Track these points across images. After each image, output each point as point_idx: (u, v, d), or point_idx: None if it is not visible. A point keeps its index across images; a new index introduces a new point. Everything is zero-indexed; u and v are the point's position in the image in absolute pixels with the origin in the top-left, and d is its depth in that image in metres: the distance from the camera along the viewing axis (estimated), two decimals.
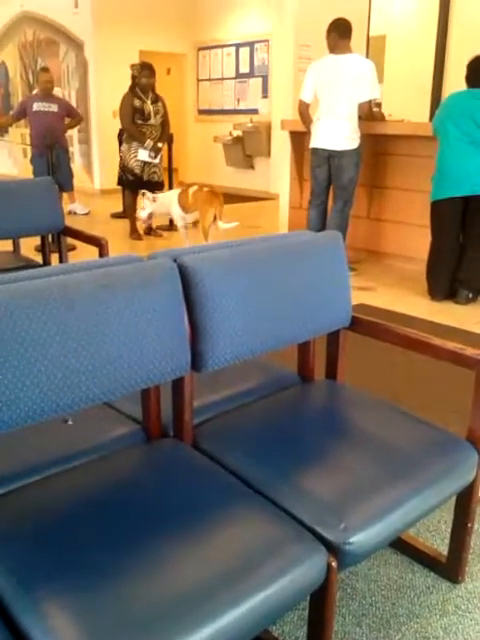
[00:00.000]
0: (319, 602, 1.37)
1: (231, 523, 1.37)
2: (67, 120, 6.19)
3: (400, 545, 1.92)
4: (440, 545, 1.96)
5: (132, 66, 6.14)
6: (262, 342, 1.72)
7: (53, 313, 1.37)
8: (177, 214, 5.56)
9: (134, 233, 6.34)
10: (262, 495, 1.44)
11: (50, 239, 3.51)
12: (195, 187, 5.50)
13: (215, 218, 5.29)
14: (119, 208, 7.44)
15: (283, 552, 1.28)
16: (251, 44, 9.30)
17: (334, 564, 1.30)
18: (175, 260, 1.55)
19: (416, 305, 4.38)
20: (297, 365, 2.01)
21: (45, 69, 6.28)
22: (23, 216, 3.15)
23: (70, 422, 1.67)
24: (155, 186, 6.27)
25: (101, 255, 2.93)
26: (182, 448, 1.61)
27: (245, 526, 1.36)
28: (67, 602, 1.13)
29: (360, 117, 4.78)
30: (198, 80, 10.24)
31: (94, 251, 3.10)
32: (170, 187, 6.85)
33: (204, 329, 1.54)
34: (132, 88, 5.95)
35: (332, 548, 1.31)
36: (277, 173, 8.49)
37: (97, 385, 1.44)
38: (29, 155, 6.42)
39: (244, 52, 9.44)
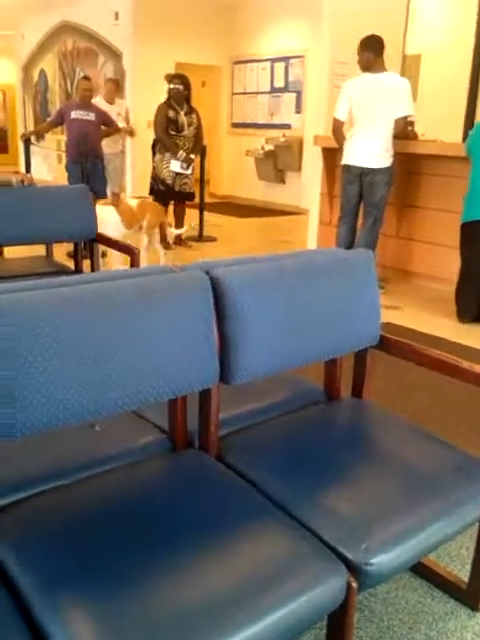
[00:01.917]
0: (337, 623, 1.36)
1: (252, 537, 1.37)
2: (103, 129, 6.28)
3: (420, 569, 1.90)
4: (461, 571, 1.93)
5: (167, 77, 6.22)
6: (290, 357, 1.73)
7: (88, 320, 1.40)
8: (117, 231, 4.89)
9: (163, 242, 6.38)
10: (284, 511, 1.44)
11: (82, 246, 3.56)
12: (135, 200, 5.34)
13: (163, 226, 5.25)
14: None
15: (304, 570, 1.28)
16: (286, 59, 9.36)
17: (354, 585, 1.30)
18: (207, 272, 1.57)
19: (443, 326, 4.34)
20: (323, 382, 2.01)
21: (86, 78, 6.38)
22: (58, 222, 3.21)
23: (97, 428, 1.68)
24: (186, 197, 6.33)
25: (132, 263, 2.97)
26: (206, 460, 1.62)
27: (266, 541, 1.37)
28: (89, 608, 1.14)
29: (395, 135, 4.78)
30: (232, 93, 10.33)
31: (124, 258, 3.14)
32: (201, 199, 6.90)
33: (233, 342, 1.55)
34: (167, 99, 6.03)
35: (353, 568, 1.31)
36: (308, 188, 8.51)
37: (127, 393, 1.46)
38: (64, 161, 6.52)
39: (279, 67, 9.50)
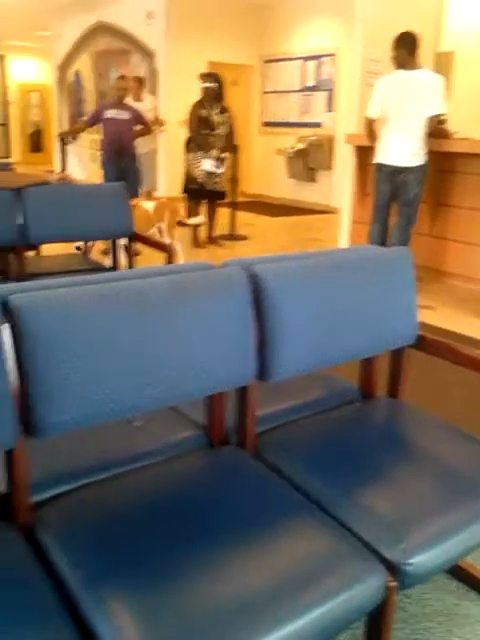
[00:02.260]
0: (376, 623, 1.36)
1: (291, 535, 1.37)
2: (137, 128, 6.34)
3: (457, 572, 1.88)
4: None
5: (201, 75, 6.25)
6: (327, 355, 1.73)
7: (127, 316, 1.42)
8: None
9: (195, 241, 6.43)
10: (322, 509, 1.44)
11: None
12: (151, 203, 5.28)
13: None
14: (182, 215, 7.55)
15: (342, 568, 1.28)
16: (318, 57, 9.32)
17: (393, 584, 1.29)
18: (246, 269, 1.57)
19: (476, 326, 4.29)
20: (359, 381, 2.01)
21: (122, 77, 6.45)
22: (95, 220, 3.24)
23: (136, 424, 1.70)
24: (218, 196, 6.35)
25: (169, 262, 2.99)
26: (244, 456, 1.63)
27: (304, 539, 1.37)
28: (132, 601, 1.15)
29: (428, 133, 4.73)
30: (263, 92, 10.32)
31: (159, 257, 3.16)
32: (233, 197, 6.92)
33: (272, 339, 1.56)
34: (201, 98, 6.06)
35: (391, 568, 1.30)
36: (339, 187, 8.46)
37: (165, 389, 1.47)
38: (97, 160, 6.59)
39: (311, 65, 9.46)
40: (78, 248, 4.28)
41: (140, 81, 7.55)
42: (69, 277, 1.51)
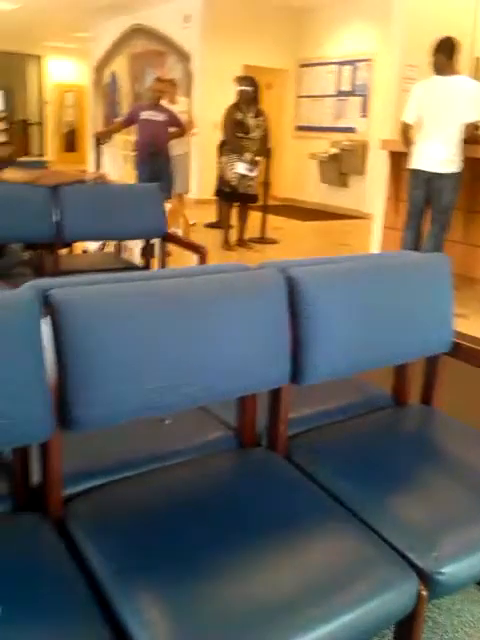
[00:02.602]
0: (405, 632, 1.34)
1: (321, 538, 1.37)
2: (172, 130, 6.37)
3: None
4: None
5: (237, 79, 6.26)
6: (361, 360, 1.71)
7: (165, 314, 1.43)
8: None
9: (226, 244, 6.44)
10: (353, 514, 1.43)
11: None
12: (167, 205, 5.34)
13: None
14: (213, 218, 7.57)
15: (374, 574, 1.27)
16: (353, 62, 9.28)
17: (425, 593, 1.28)
18: (283, 271, 1.57)
19: None
20: (392, 387, 1.99)
21: (159, 79, 6.49)
22: (129, 219, 3.27)
23: (168, 422, 1.71)
24: (250, 199, 6.35)
25: (201, 263, 3.00)
26: (275, 458, 1.62)
27: (335, 543, 1.36)
28: (162, 597, 1.16)
29: (465, 140, 4.68)
30: (298, 96, 10.31)
31: (190, 258, 3.18)
32: (265, 201, 6.92)
33: (307, 342, 1.55)
34: (236, 101, 6.07)
35: (423, 576, 1.28)
36: (371, 192, 8.40)
37: (200, 388, 1.48)
38: (130, 161, 6.64)
39: (346, 70, 9.43)
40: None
41: (174, 84, 7.59)
42: (105, 274, 1.52)
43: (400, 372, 1.97)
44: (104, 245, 4.46)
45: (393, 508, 1.46)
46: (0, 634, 1.06)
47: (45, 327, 1.27)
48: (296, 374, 1.58)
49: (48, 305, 1.28)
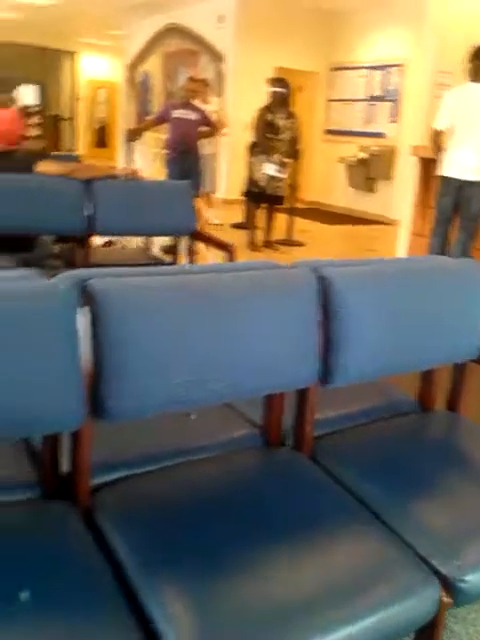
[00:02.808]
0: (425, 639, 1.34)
1: (344, 539, 1.37)
2: (203, 129, 6.40)
3: None
4: None
5: (269, 80, 6.27)
6: (389, 364, 1.71)
7: (198, 309, 1.44)
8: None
9: (252, 244, 6.45)
10: (377, 517, 1.43)
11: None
12: None
13: None
14: (240, 219, 7.58)
15: (396, 578, 1.27)
16: (385, 68, 9.24)
17: (447, 600, 1.27)
18: (315, 271, 1.57)
19: None
20: (418, 392, 1.98)
21: (192, 78, 6.53)
22: (160, 216, 3.29)
23: (193, 417, 1.72)
24: (277, 200, 6.36)
25: (230, 261, 3.01)
26: (300, 458, 1.63)
27: (358, 545, 1.36)
28: (186, 590, 1.17)
29: None
30: (328, 100, 10.29)
31: (216, 257, 3.19)
32: (292, 203, 6.92)
33: (337, 343, 1.55)
34: (268, 102, 6.08)
35: (446, 583, 1.28)
36: (399, 198, 8.35)
37: (229, 385, 1.49)
38: (160, 158, 6.69)
39: (377, 75, 9.39)
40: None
41: (207, 83, 7.62)
42: (142, 268, 1.53)
43: (427, 377, 1.96)
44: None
45: (417, 513, 1.45)
46: (28, 618, 1.08)
47: (80, 317, 1.29)
48: (325, 375, 1.58)
49: (86, 295, 1.29)
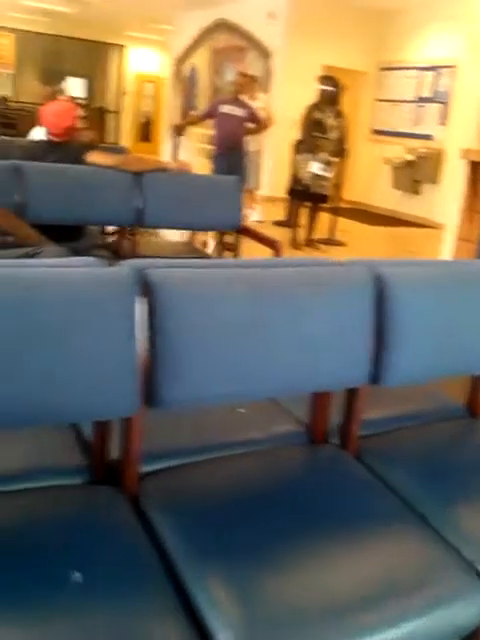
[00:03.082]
0: None
1: (389, 540, 1.37)
2: (251, 126, 6.40)
3: None
4: None
5: (319, 78, 6.24)
6: (440, 367, 1.70)
7: (253, 303, 1.44)
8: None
9: (294, 242, 6.43)
10: (423, 519, 1.42)
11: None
12: None
13: None
14: (282, 216, 7.57)
15: (441, 581, 1.26)
16: (436, 69, 9.11)
17: None
18: (371, 269, 1.56)
19: None
20: (467, 398, 1.95)
21: (242, 74, 6.54)
22: (207, 210, 3.30)
23: (241, 410, 1.73)
24: (321, 199, 6.33)
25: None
26: (345, 457, 1.62)
27: (403, 546, 1.36)
28: (233, 582, 1.18)
29: None
30: (376, 100, 10.19)
31: (258, 253, 3.19)
32: (336, 202, 6.88)
33: (390, 343, 1.54)
34: (316, 100, 6.05)
35: None
36: (445, 202, 8.21)
37: (279, 380, 1.49)
38: (204, 153, 6.72)
39: (427, 76, 9.26)
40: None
41: (256, 80, 7.61)
42: (193, 260, 1.55)
43: (476, 383, 1.93)
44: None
45: (464, 518, 1.44)
46: (79, 600, 1.10)
47: (137, 306, 1.31)
48: (375, 375, 1.57)
49: (144, 285, 1.31)
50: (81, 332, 1.22)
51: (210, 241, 4.32)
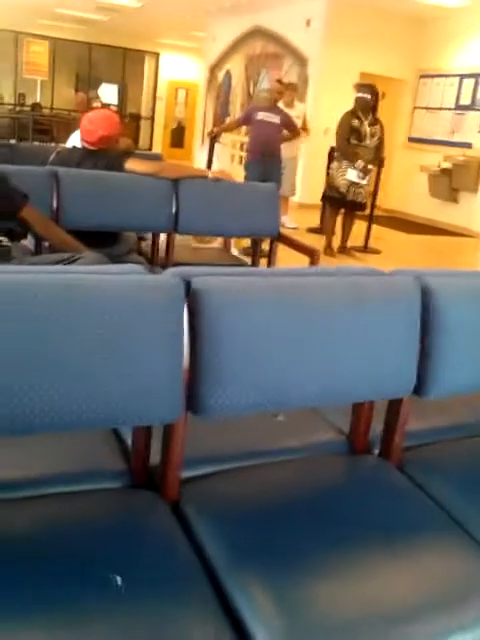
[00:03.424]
0: None
1: (432, 551, 1.35)
2: (285, 133, 6.40)
3: None
4: None
5: (356, 85, 6.21)
6: None
7: (295, 312, 1.43)
8: None
9: (329, 249, 6.40)
10: (467, 533, 1.39)
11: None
12: None
13: None
14: (315, 223, 7.55)
15: None
16: (477, 76, 9.00)
17: None
18: (417, 280, 1.54)
19: None
20: None
21: (279, 82, 6.55)
22: (244, 217, 3.30)
23: (280, 418, 1.72)
24: (358, 207, 6.29)
25: (311, 265, 2.99)
26: (388, 467, 1.60)
27: (446, 558, 1.35)
28: (274, 589, 1.17)
29: None
30: (414, 107, 10.11)
31: (292, 260, 3.17)
32: (371, 210, 6.83)
33: (436, 355, 1.52)
34: (353, 107, 6.02)
35: None
36: None
37: (321, 389, 1.48)
38: (237, 160, 6.73)
39: (468, 83, 9.16)
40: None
41: (294, 88, 7.61)
42: (236, 268, 1.54)
43: None
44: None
45: None
46: (122, 604, 1.10)
47: (186, 313, 1.31)
48: (419, 387, 1.55)
49: (188, 292, 1.31)
50: (126, 339, 1.22)
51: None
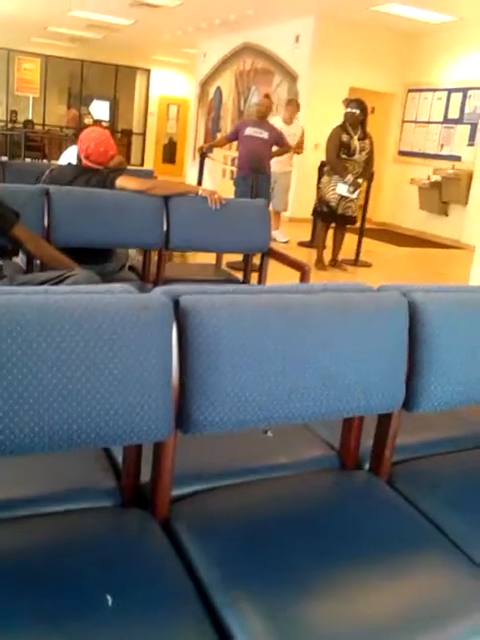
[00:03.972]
0: None
1: (422, 567, 1.35)
2: (275, 148, 6.44)
3: None
4: None
5: (345, 101, 6.27)
6: (474, 394, 1.67)
7: (283, 328, 1.44)
8: None
9: (320, 263, 6.43)
10: (457, 547, 1.40)
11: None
12: None
13: None
14: (306, 237, 7.59)
15: (476, 613, 1.23)
16: (464, 90, 9.11)
17: None
18: (405, 295, 1.55)
19: None
20: None
21: (267, 96, 6.60)
22: (234, 233, 3.32)
23: (270, 434, 1.72)
24: (348, 220, 6.32)
25: (302, 280, 3.00)
26: (377, 483, 1.61)
27: (436, 573, 1.35)
28: (265, 608, 1.17)
29: None
30: (403, 121, 10.21)
31: (283, 274, 3.19)
32: (362, 224, 6.87)
33: (424, 369, 1.53)
34: (343, 122, 6.07)
35: None
36: (474, 223, 8.18)
37: (310, 405, 1.48)
38: (227, 176, 6.76)
39: (456, 97, 9.26)
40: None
41: (296, 105, 7.63)
42: (229, 285, 1.55)
43: None
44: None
45: None
46: (113, 623, 1.09)
47: (175, 331, 1.31)
48: (409, 401, 1.56)
49: (177, 311, 1.32)
50: (116, 359, 1.23)
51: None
